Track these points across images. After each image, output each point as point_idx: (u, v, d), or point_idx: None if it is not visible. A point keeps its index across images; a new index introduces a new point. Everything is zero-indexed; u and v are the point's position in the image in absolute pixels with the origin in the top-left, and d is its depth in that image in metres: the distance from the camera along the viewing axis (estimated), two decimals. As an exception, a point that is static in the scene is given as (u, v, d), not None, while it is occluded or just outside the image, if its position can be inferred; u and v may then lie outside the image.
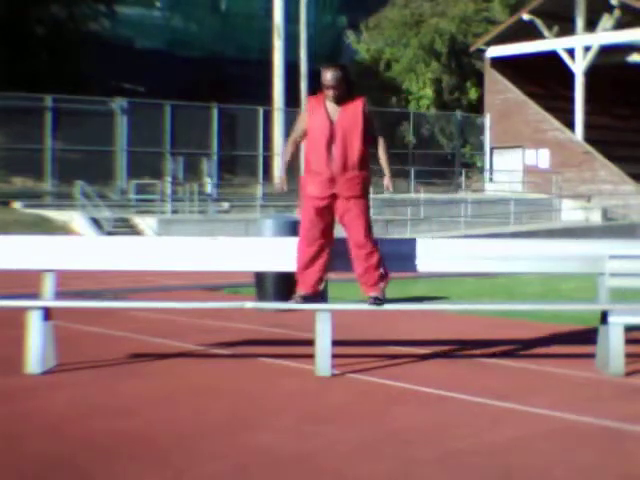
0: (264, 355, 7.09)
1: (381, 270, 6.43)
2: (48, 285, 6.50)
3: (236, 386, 6.02)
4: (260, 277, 10.28)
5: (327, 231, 6.33)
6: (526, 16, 37.40)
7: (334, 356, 6.32)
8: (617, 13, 36.20)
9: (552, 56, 37.32)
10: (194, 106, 32.52)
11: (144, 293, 11.97)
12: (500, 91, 39.95)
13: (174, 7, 41.98)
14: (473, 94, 43.17)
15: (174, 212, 28.99)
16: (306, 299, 6.39)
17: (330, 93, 6.22)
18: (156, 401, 5.54)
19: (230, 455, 4.38)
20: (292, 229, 10.33)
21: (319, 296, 6.50)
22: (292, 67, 34.02)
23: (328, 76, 6.21)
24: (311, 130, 6.28)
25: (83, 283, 12.21)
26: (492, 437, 4.74)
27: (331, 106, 6.29)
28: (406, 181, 37.52)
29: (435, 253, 6.82)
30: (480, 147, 41.55)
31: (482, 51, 39.92)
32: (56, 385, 6.00)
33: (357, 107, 6.30)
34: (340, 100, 6.28)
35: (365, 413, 5.26)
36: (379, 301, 6.40)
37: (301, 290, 6.42)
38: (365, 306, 6.47)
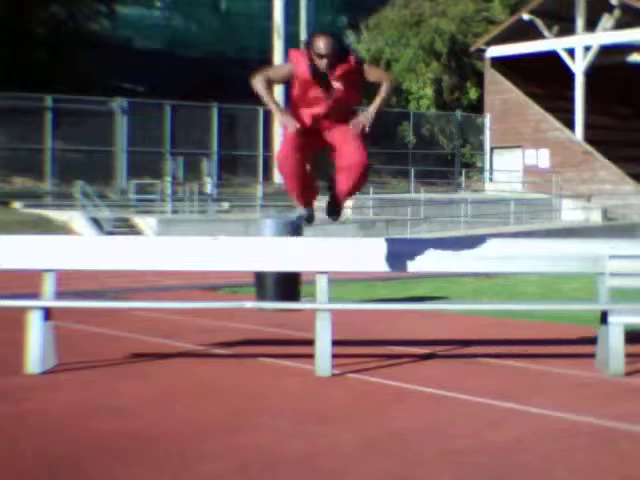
0: (264, 355, 7.09)
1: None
2: (48, 285, 6.50)
3: (236, 386, 6.02)
4: (260, 277, 10.28)
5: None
6: (526, 16, 37.38)
7: (334, 356, 6.32)
8: (617, 13, 36.18)
9: (552, 56, 37.29)
10: (194, 106, 32.51)
11: (144, 293, 11.97)
12: (500, 91, 39.94)
13: (174, 7, 41.96)
14: (473, 94, 43.15)
15: (174, 212, 28.99)
16: (309, 219, 6.33)
17: (323, 63, 5.83)
18: (156, 401, 5.54)
19: (230, 455, 4.38)
20: (292, 229, 10.34)
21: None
22: (292, 67, 33.99)
23: (321, 44, 5.79)
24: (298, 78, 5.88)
25: (83, 283, 12.21)
26: (492, 437, 4.74)
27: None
28: (406, 181, 37.53)
29: (435, 253, 6.82)
30: (480, 147, 41.53)
31: (482, 51, 39.90)
32: (56, 385, 6.00)
33: (352, 69, 5.89)
34: (331, 67, 5.88)
35: (365, 413, 5.26)
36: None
37: (301, 206, 6.28)
38: (365, 306, 6.47)
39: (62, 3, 35.91)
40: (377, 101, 5.85)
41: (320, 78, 5.87)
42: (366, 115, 5.78)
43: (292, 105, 6.01)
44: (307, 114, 5.93)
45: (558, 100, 38.60)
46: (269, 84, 5.90)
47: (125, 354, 7.10)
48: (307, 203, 6.08)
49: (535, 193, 37.60)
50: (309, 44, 5.83)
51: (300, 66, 5.89)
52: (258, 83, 5.83)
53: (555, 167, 38.29)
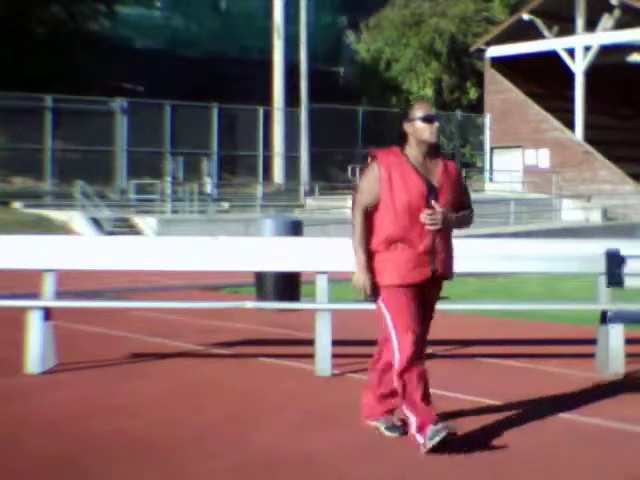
0: (264, 355, 7.09)
1: None
2: (48, 285, 6.50)
3: (236, 386, 6.02)
4: (260, 277, 10.27)
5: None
6: (526, 16, 37.38)
7: (334, 356, 6.32)
8: (617, 13, 36.18)
9: (552, 56, 37.29)
10: (194, 106, 32.50)
11: (144, 293, 11.97)
12: (500, 91, 39.93)
13: (174, 7, 41.93)
14: (473, 94, 43.15)
15: (174, 212, 28.98)
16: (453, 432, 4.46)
17: (427, 135, 4.58)
18: (156, 401, 5.54)
19: (230, 455, 4.38)
20: (292, 229, 10.34)
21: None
22: (292, 67, 34.01)
23: (429, 111, 4.64)
24: (398, 199, 4.51)
25: (83, 283, 12.20)
26: (492, 437, 4.73)
27: (417, 162, 4.61)
28: (406, 181, 37.48)
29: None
30: (480, 147, 41.53)
31: (482, 51, 39.90)
32: (56, 385, 6.00)
33: (457, 171, 4.74)
34: (432, 152, 4.65)
35: (365, 413, 5.25)
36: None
37: (430, 425, 4.45)
38: (365, 305, 6.42)
39: (62, 3, 35.90)
40: (460, 214, 4.67)
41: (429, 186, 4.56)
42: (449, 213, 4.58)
43: (381, 245, 4.59)
44: (408, 258, 4.55)
45: (558, 100, 38.59)
46: (368, 217, 4.59)
47: (125, 354, 7.10)
48: (432, 415, 4.52)
49: (535, 193, 37.59)
50: (406, 118, 4.67)
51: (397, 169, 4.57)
52: (357, 217, 4.60)
53: (555, 167, 38.28)
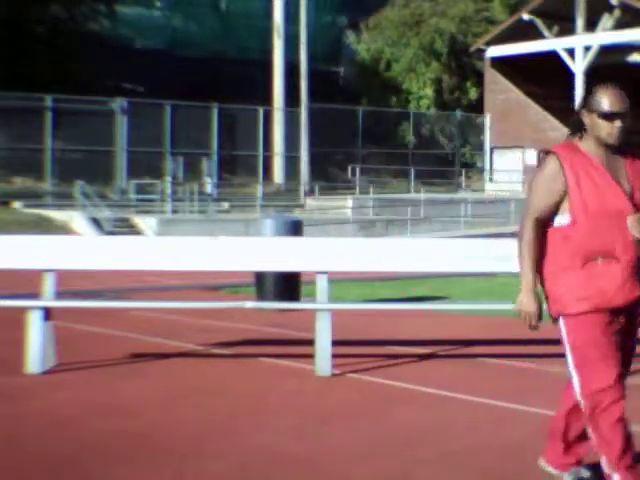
0: (264, 355, 7.09)
1: None
2: (48, 285, 6.50)
3: (236, 386, 6.02)
4: (260, 277, 10.28)
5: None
6: (526, 16, 37.40)
7: (334, 356, 6.31)
8: (617, 13, 36.19)
9: (552, 56, 37.31)
10: (194, 106, 32.52)
11: (144, 293, 11.96)
12: (500, 91, 39.95)
13: (174, 7, 41.95)
14: (473, 94, 43.18)
15: (174, 212, 29.00)
16: None
17: (604, 134, 3.61)
18: (156, 401, 5.54)
19: (230, 455, 4.38)
20: (292, 229, 10.34)
21: None
22: (292, 67, 34.02)
23: (614, 105, 3.61)
24: (594, 203, 3.56)
25: (83, 283, 12.20)
26: (492, 437, 4.73)
27: (597, 158, 3.66)
28: (406, 181, 37.53)
29: (435, 253, 6.82)
30: (480, 147, 41.55)
31: (482, 51, 39.92)
32: (56, 385, 6.00)
33: None
34: (617, 146, 3.66)
35: (365, 413, 5.26)
36: None
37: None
38: (365, 305, 6.45)
39: (62, 3, 35.93)
40: None
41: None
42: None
43: (574, 261, 3.67)
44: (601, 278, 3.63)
45: (558, 100, 38.61)
46: (541, 226, 3.67)
47: (125, 354, 7.10)
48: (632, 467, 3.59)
49: (535, 193, 37.58)
50: (585, 106, 3.74)
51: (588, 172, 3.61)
52: (527, 224, 3.66)
53: (555, 167, 38.30)
